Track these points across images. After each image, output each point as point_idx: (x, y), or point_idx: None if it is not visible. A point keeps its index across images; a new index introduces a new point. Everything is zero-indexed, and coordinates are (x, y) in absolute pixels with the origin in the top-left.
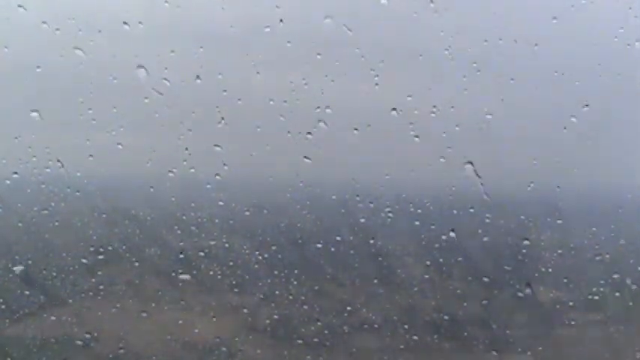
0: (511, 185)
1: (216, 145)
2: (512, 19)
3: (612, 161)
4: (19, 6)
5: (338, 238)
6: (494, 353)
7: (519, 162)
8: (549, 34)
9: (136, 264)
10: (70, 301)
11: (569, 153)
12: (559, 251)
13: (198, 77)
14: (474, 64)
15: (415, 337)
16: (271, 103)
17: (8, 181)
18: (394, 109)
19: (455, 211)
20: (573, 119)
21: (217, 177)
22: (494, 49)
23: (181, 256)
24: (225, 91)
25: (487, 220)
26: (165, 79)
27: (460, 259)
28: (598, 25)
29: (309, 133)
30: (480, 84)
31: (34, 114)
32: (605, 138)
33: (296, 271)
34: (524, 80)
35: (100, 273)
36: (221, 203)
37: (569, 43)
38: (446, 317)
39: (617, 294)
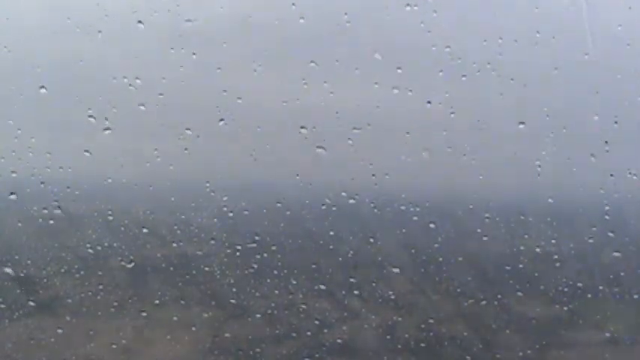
0: (511, 185)
1: (216, 146)
2: (513, 19)
3: (613, 161)
4: (19, 6)
5: (337, 238)
6: None
7: (519, 162)
8: (549, 33)
9: (136, 264)
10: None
11: (569, 153)
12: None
13: (197, 76)
14: (474, 64)
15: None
16: (271, 102)
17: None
18: (394, 108)
19: (455, 211)
20: (573, 119)
21: (217, 177)
22: (494, 49)
23: (181, 256)
24: (225, 91)
25: (487, 220)
26: (164, 78)
27: (460, 258)
28: (598, 25)
29: (308, 132)
30: (479, 83)
31: (33, 113)
32: (604, 137)
33: (295, 271)
34: (524, 80)
35: (99, 273)
36: (221, 203)
37: (570, 43)
38: (444, 316)
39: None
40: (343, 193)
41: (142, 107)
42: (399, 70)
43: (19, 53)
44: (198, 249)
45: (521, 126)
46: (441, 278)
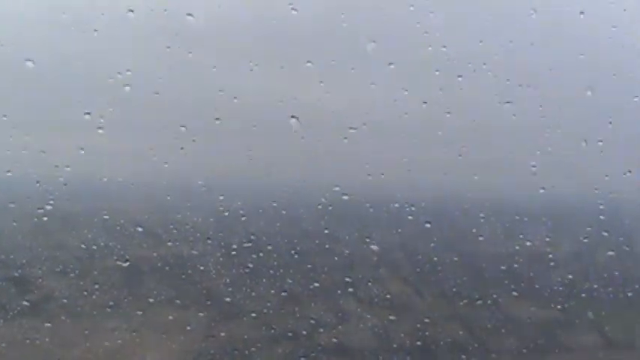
0: (506, 184)
1: (212, 144)
2: (508, 19)
3: (607, 159)
4: (15, 6)
5: (332, 237)
6: None
7: (514, 160)
8: (545, 33)
9: (132, 263)
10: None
11: (564, 151)
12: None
13: (193, 76)
14: (469, 64)
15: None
16: (267, 102)
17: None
18: (389, 108)
19: (450, 210)
20: (569, 117)
21: (213, 175)
22: (490, 49)
23: (177, 254)
24: (221, 90)
25: (482, 220)
26: (162, 79)
27: (455, 258)
28: (593, 25)
29: (304, 131)
30: (475, 83)
31: (28, 113)
32: (599, 135)
33: (291, 270)
34: (520, 79)
35: (95, 272)
36: (216, 203)
37: (564, 42)
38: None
39: None
40: (337, 189)
41: (138, 106)
42: (395, 71)
43: (15, 52)
44: (193, 248)
45: (517, 126)
46: (436, 277)
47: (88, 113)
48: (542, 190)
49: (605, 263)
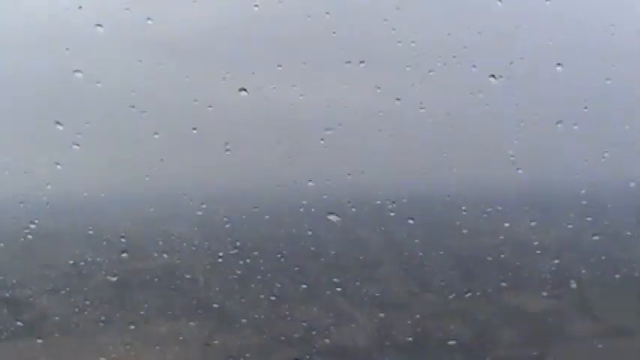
0: (483, 174)
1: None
2: (474, 11)
3: (583, 147)
4: None
5: (314, 237)
6: None
7: (491, 150)
8: (512, 22)
9: (121, 277)
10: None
11: (540, 138)
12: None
13: (167, 87)
14: (439, 58)
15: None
16: (242, 108)
17: None
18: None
19: (432, 204)
20: (542, 104)
21: (194, 185)
22: (459, 41)
23: (165, 265)
24: (195, 100)
25: (464, 213)
26: (135, 91)
27: (441, 252)
28: (560, 10)
29: (281, 135)
30: (446, 76)
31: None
32: (574, 123)
33: (279, 274)
34: (490, 69)
35: (85, 289)
36: (199, 212)
37: (532, 30)
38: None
39: None
40: (311, 184)
41: (114, 121)
42: (367, 69)
43: None
44: (180, 258)
45: (491, 116)
46: (422, 271)
47: (66, 131)
48: (520, 171)
49: (591, 248)
